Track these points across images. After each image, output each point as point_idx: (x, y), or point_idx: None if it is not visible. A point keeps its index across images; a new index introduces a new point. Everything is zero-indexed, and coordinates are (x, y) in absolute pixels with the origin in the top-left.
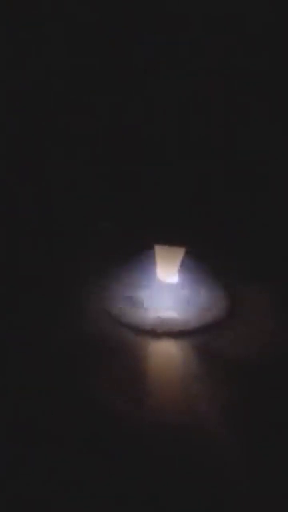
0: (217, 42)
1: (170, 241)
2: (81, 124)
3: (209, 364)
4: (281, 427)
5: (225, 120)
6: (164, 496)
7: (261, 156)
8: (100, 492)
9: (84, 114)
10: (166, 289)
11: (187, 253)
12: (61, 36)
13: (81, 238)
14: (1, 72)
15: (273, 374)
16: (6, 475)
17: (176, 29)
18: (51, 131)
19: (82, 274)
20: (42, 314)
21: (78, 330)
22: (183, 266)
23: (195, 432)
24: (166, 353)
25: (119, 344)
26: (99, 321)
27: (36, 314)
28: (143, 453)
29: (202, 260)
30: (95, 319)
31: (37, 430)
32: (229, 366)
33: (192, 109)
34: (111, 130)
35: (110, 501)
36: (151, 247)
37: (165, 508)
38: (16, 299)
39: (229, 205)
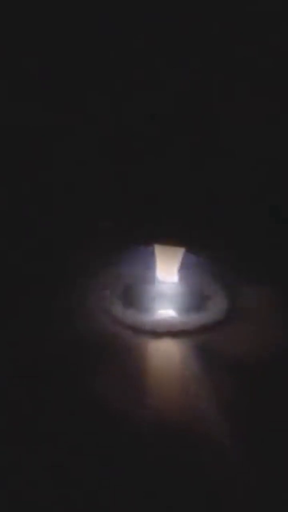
0: (217, 41)
1: (170, 241)
2: (81, 124)
3: (209, 364)
4: (281, 426)
5: (225, 120)
6: (164, 496)
7: (261, 156)
8: (100, 491)
9: (85, 114)
10: (166, 289)
11: (187, 253)
12: (60, 35)
13: (81, 238)
14: (1, 71)
15: (273, 374)
16: (6, 475)
17: (175, 27)
18: (51, 131)
19: (81, 274)
20: (42, 314)
21: (78, 330)
22: (183, 266)
23: (195, 431)
24: (166, 353)
25: (119, 344)
26: (99, 321)
27: (36, 313)
28: (143, 453)
29: (202, 260)
30: (95, 319)
31: (37, 430)
32: (229, 366)
33: (192, 109)
34: (111, 130)
35: (110, 501)
36: (151, 247)
37: (165, 507)
38: (15, 298)
39: (229, 206)
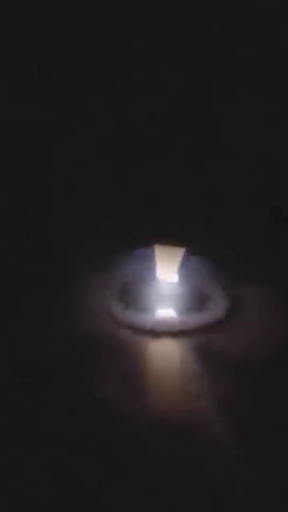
0: (217, 39)
1: (170, 241)
2: (81, 124)
3: (209, 363)
4: (281, 426)
5: (225, 120)
6: (164, 496)
7: (261, 156)
8: (100, 491)
9: (85, 114)
10: (166, 289)
11: (187, 252)
12: (60, 35)
13: (81, 238)
14: (1, 71)
15: (273, 373)
16: (6, 475)
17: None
18: (51, 131)
19: (81, 274)
20: (42, 314)
21: (78, 330)
22: (183, 266)
23: (195, 431)
24: (166, 353)
25: (119, 344)
26: (99, 321)
27: (36, 313)
28: (143, 453)
29: (202, 260)
30: (95, 319)
31: (37, 430)
32: (229, 366)
33: (192, 109)
34: (111, 130)
35: (110, 501)
36: (151, 247)
37: (165, 507)
38: (16, 298)
39: (229, 206)
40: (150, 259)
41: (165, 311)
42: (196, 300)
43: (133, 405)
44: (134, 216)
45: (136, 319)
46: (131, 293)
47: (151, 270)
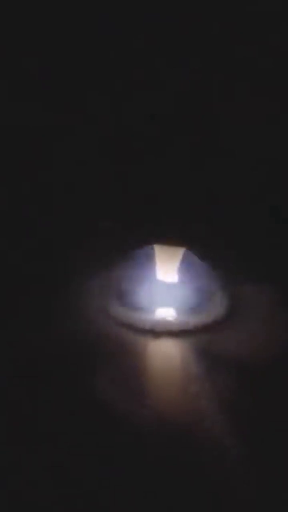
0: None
1: (170, 241)
2: (81, 124)
3: (209, 363)
4: (282, 426)
5: (225, 120)
6: (164, 496)
7: (261, 156)
8: (100, 491)
9: (85, 114)
10: (165, 289)
11: (187, 252)
12: (60, 35)
13: (81, 238)
14: (1, 71)
15: (273, 373)
16: (6, 475)
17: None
18: (51, 131)
19: (81, 274)
20: (42, 314)
21: (77, 330)
22: (183, 266)
23: (195, 431)
24: (166, 353)
25: (119, 344)
26: (99, 321)
27: (36, 313)
28: (143, 453)
29: (202, 260)
30: (95, 319)
31: (37, 430)
32: (229, 366)
33: (192, 109)
34: (111, 130)
35: (110, 501)
36: (151, 247)
37: (165, 507)
38: (15, 298)
39: (229, 206)
40: (150, 259)
41: (165, 311)
42: (196, 300)
43: (133, 405)
44: (134, 216)
45: (136, 319)
46: (131, 293)
47: (151, 270)
